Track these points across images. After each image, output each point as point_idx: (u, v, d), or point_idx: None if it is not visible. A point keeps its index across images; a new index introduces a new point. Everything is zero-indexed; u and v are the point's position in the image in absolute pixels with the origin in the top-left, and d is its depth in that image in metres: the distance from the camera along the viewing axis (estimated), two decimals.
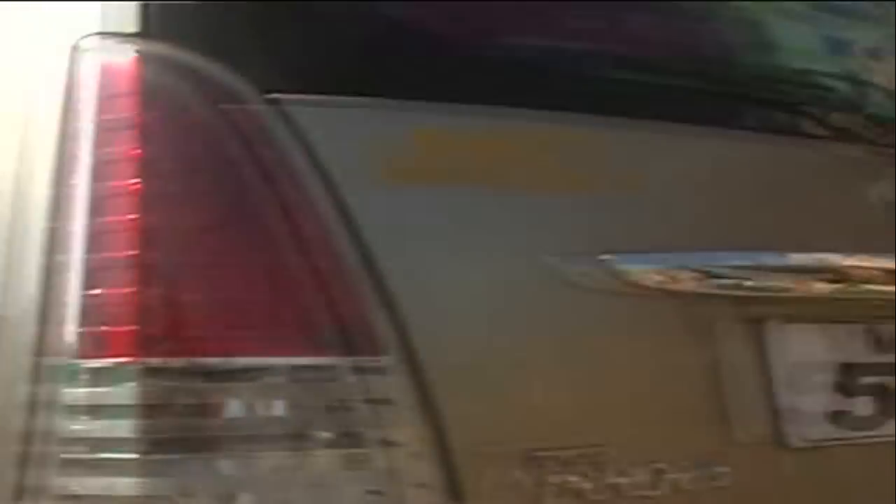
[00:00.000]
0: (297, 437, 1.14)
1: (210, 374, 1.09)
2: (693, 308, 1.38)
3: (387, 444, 1.16)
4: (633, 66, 1.45)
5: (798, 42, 1.68)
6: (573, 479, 1.26)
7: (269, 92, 1.17)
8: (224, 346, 1.11)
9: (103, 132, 1.13)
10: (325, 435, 1.15)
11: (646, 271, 1.33)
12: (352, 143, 1.21)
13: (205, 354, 1.10)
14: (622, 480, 1.29)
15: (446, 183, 1.25)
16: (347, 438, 1.15)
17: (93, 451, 1.10)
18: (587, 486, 1.26)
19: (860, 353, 1.57)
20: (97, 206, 1.12)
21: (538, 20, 1.41)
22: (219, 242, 1.13)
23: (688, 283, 1.36)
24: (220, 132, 1.14)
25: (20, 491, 1.11)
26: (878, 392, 1.56)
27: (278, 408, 1.13)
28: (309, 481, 1.15)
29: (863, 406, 1.55)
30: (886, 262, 1.53)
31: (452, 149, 1.26)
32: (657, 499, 1.31)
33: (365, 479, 1.16)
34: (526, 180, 1.30)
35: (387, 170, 1.21)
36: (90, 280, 1.11)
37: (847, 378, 1.54)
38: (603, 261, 1.30)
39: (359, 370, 1.14)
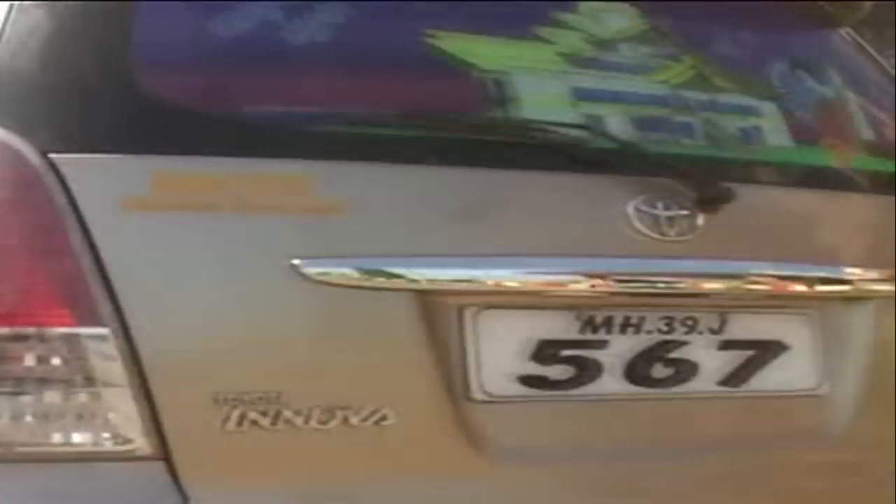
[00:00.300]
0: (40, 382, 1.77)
1: None
2: (377, 296, 1.89)
3: (105, 385, 1.74)
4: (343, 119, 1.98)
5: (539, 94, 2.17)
6: (254, 414, 1.79)
7: (46, 152, 1.77)
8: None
9: None
10: (58, 380, 1.77)
11: (329, 272, 1.88)
12: (101, 185, 1.79)
13: None
14: (297, 418, 1.82)
15: (174, 210, 1.81)
16: (68, 384, 1.74)
17: None
18: (266, 420, 1.80)
19: (561, 332, 2.03)
20: None
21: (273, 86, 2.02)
22: None
23: (378, 279, 1.90)
24: (3, 178, 1.75)
25: None
26: (574, 361, 2.03)
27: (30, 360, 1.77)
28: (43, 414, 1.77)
29: (557, 372, 2.01)
30: (582, 264, 2.03)
31: (180, 186, 1.82)
32: (327, 431, 1.83)
33: (84, 415, 1.74)
34: (234, 206, 1.84)
35: (127, 202, 1.78)
36: None
37: (544, 350, 2.01)
38: (295, 265, 1.87)
39: (87, 336, 1.73)
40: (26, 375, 1.74)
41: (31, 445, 1.75)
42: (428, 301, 1.91)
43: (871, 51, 2.77)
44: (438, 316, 1.93)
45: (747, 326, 2.19)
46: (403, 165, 1.96)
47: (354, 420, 1.86)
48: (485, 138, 2.07)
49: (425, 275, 1.92)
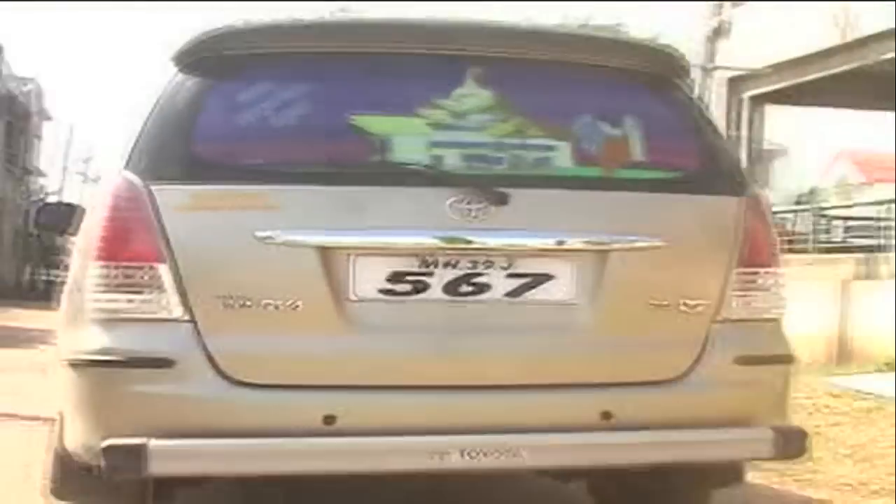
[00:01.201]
0: None
1: None
2: (304, 251, 4.09)
3: (165, 290, 3.95)
4: None
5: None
6: (236, 305, 3.98)
7: (146, 183, 4.01)
8: None
9: None
10: None
11: None
12: (168, 197, 3.98)
13: None
14: (258, 307, 4.00)
15: (197, 210, 4.03)
16: (152, 288, 3.97)
17: None
18: (244, 308, 4.00)
19: (405, 267, 4.08)
20: None
21: None
22: None
23: (303, 241, 4.11)
24: (129, 195, 4.05)
25: None
26: (412, 283, 4.07)
27: None
28: None
29: (402, 287, 4.07)
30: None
31: (202, 199, 4.06)
32: (270, 312, 4.00)
33: (155, 301, 3.96)
34: (227, 206, 4.02)
35: (178, 206, 3.99)
36: None
37: (395, 277, 4.05)
38: None
39: (160, 266, 3.95)
40: (136, 282, 3.97)
41: (130, 311, 3.97)
42: (330, 252, 4.06)
43: (684, 101, 4.63)
44: (335, 258, 4.06)
45: (526, 265, 4.16)
46: (323, 186, 4.12)
47: (282, 307, 3.99)
48: (371, 171, 4.21)
49: (333, 241, 4.08)
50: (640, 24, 24.88)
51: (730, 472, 4.69)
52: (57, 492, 4.57)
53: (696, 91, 4.91)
